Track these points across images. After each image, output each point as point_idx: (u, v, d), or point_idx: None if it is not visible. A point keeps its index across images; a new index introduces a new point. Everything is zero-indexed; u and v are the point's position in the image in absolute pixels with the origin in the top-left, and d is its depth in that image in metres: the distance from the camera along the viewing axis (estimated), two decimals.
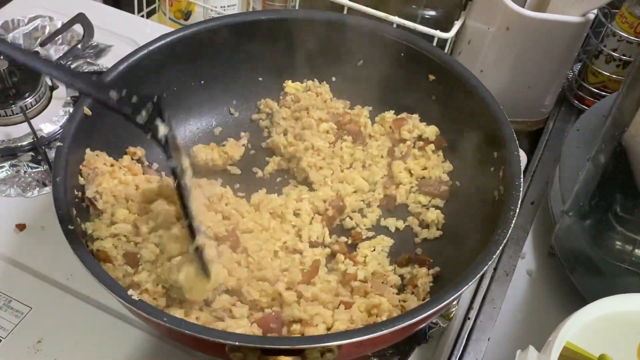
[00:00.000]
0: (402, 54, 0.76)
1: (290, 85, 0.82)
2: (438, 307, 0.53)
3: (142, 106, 0.56)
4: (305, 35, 0.77)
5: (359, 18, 0.80)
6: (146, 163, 0.74)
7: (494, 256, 0.55)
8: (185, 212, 0.58)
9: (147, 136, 0.57)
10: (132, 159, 0.73)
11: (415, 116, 0.78)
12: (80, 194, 0.65)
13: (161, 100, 0.57)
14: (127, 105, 0.55)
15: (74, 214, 0.61)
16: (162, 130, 0.57)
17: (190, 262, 0.59)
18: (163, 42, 0.73)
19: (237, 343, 0.49)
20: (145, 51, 0.72)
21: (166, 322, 0.51)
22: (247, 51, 0.78)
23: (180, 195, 0.58)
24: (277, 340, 0.54)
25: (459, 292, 0.54)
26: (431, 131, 0.76)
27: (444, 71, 0.73)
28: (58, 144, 0.63)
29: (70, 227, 0.57)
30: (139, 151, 0.73)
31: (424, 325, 0.63)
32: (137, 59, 0.71)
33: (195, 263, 0.59)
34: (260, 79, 0.82)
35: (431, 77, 0.75)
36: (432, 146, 0.76)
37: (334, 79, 0.82)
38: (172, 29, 0.77)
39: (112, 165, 0.70)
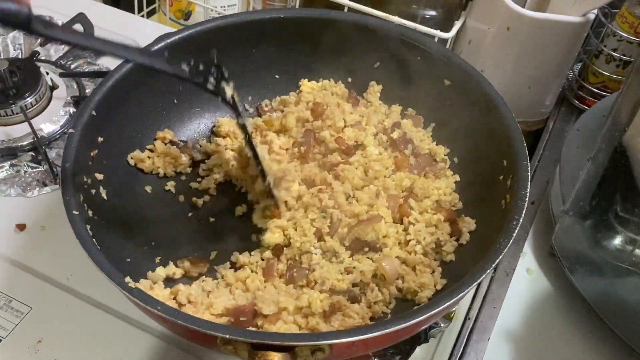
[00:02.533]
0: (418, 58, 0.75)
1: (306, 84, 0.82)
2: (433, 312, 0.53)
3: (209, 73, 0.61)
4: (325, 36, 0.78)
5: (379, 20, 0.80)
6: (180, 143, 0.76)
7: (493, 265, 0.55)
8: (256, 159, 0.68)
9: (218, 99, 0.64)
10: (165, 144, 0.73)
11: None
12: (89, 180, 0.65)
13: (222, 63, 0.62)
14: (198, 75, 0.61)
15: (81, 199, 0.61)
16: (229, 91, 0.63)
17: None
18: (182, 35, 0.73)
19: (227, 336, 0.49)
20: (162, 43, 0.73)
21: (160, 311, 0.51)
22: (265, 49, 0.79)
23: (251, 145, 0.67)
24: (267, 335, 0.54)
25: (453, 299, 0.53)
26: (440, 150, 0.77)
27: (458, 77, 0.73)
28: (70, 130, 0.64)
29: (75, 212, 0.58)
30: (168, 134, 0.75)
31: (418, 330, 0.62)
32: (155, 51, 0.72)
33: None
34: (277, 76, 0.82)
35: (447, 82, 0.74)
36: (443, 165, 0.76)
37: (349, 79, 0.82)
38: (174, 29, 0.77)
39: (149, 157, 0.73)
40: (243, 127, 0.66)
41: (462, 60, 0.74)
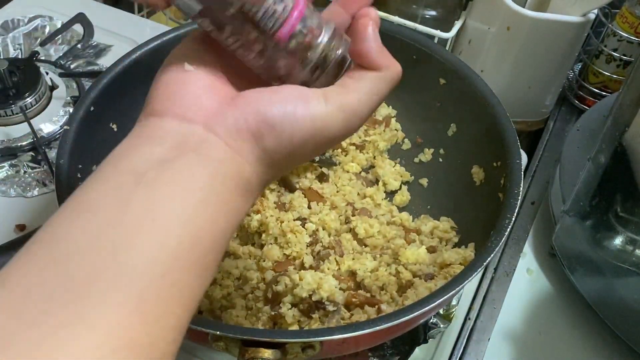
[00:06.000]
0: (414, 56, 0.75)
1: None
2: (423, 310, 0.52)
3: None
4: None
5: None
6: None
7: (485, 263, 0.55)
8: None
9: None
10: None
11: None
12: (85, 177, 0.65)
13: None
14: None
15: None
16: None
17: None
18: (177, 33, 0.72)
19: (217, 332, 0.50)
20: (144, 49, 0.72)
21: None
22: None
23: None
24: (258, 332, 0.55)
25: (444, 297, 0.53)
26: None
27: (454, 76, 0.72)
28: (65, 127, 0.64)
29: None
30: None
31: (410, 327, 0.62)
32: (136, 57, 0.71)
33: None
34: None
35: (442, 81, 0.74)
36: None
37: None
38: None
39: None
40: None
41: (458, 59, 0.74)
